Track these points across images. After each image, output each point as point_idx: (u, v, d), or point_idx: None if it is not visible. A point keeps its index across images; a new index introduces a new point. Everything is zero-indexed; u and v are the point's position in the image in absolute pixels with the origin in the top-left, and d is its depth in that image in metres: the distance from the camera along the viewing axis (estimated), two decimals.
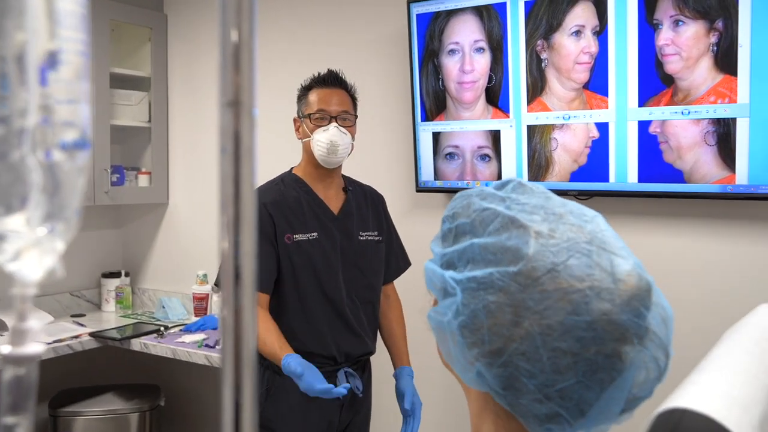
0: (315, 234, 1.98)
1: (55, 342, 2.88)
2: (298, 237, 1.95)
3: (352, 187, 2.15)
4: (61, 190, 0.40)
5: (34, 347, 0.44)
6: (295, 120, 2.09)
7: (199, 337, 2.94)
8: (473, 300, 0.68)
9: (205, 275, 3.24)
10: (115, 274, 3.50)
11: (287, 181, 2.04)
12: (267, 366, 1.96)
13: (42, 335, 2.91)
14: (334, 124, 1.97)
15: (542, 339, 0.65)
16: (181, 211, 3.49)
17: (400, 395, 2.02)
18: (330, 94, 2.01)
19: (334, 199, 2.07)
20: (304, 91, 2.05)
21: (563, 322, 0.65)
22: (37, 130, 0.39)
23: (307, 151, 2.03)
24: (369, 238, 2.09)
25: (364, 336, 2.03)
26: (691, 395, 0.69)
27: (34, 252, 0.39)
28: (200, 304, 3.23)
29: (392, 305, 2.21)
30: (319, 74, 2.06)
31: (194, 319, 3.21)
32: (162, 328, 3.05)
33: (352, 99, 2.07)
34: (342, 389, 1.76)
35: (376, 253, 2.10)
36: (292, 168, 2.11)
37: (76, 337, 2.97)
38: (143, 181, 3.44)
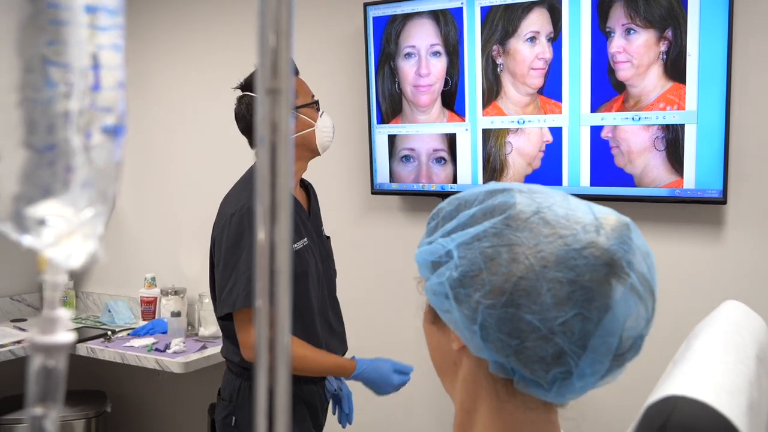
0: (305, 240, 1.89)
1: None
2: (296, 246, 1.85)
3: (307, 182, 2.10)
4: (102, 174, 0.39)
5: (65, 336, 0.42)
6: None
7: (147, 341, 2.87)
8: (469, 251, 0.72)
9: (153, 278, 3.17)
10: None
11: None
12: (240, 375, 1.87)
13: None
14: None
15: (540, 271, 0.69)
16: (128, 213, 3.40)
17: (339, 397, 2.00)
18: (302, 81, 1.97)
19: (301, 197, 2.01)
20: None
21: (556, 253, 0.69)
22: (81, 114, 0.38)
23: (297, 145, 1.89)
24: (325, 234, 2.07)
25: (342, 335, 2.04)
26: (681, 383, 0.72)
27: (77, 236, 0.38)
28: (148, 308, 3.15)
29: None
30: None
31: (142, 323, 3.13)
32: (109, 333, 2.97)
33: None
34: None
35: (332, 250, 2.08)
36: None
37: (18, 342, 2.86)
38: None
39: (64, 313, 0.43)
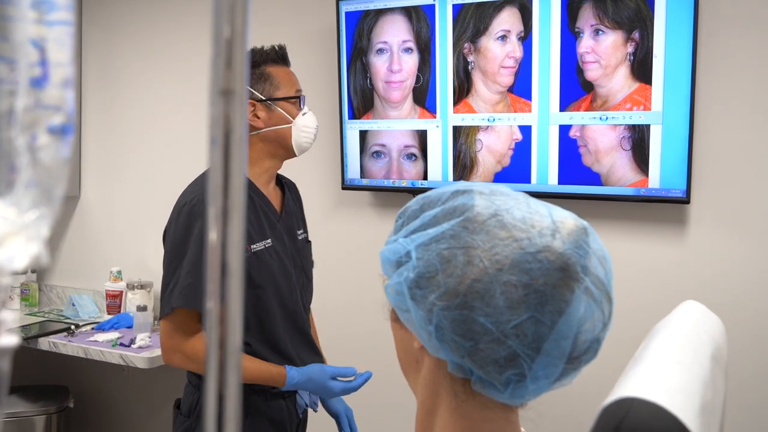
0: (269, 241, 1.72)
1: None
2: (255, 247, 1.68)
3: (284, 180, 1.93)
4: (48, 174, 0.38)
5: (9, 339, 0.41)
6: (252, 105, 1.71)
7: (112, 335, 2.83)
8: (427, 252, 0.73)
9: (119, 272, 3.13)
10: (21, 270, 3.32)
11: None
12: (198, 387, 1.72)
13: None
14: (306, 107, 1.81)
15: (494, 274, 0.69)
16: (93, 205, 3.35)
17: (338, 412, 1.87)
18: (293, 73, 1.79)
19: (274, 196, 1.83)
20: (257, 69, 1.72)
21: (511, 256, 0.69)
22: (25, 113, 0.38)
23: (271, 141, 1.74)
24: (302, 237, 1.90)
25: (315, 345, 1.88)
26: (636, 385, 0.72)
27: (20, 238, 0.37)
28: (113, 301, 3.11)
29: (311, 318, 2.03)
30: (270, 49, 1.75)
31: (107, 317, 3.09)
32: (72, 327, 2.92)
33: None
34: (359, 379, 1.69)
35: (310, 254, 1.94)
36: None
37: None
38: None
39: (9, 316, 0.42)
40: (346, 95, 2.62)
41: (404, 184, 2.57)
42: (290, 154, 1.79)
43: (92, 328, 2.97)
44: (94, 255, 3.31)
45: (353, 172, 2.66)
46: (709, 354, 0.88)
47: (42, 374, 3.40)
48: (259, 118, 1.72)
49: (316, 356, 1.84)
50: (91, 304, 3.18)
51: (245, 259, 1.48)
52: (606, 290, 0.74)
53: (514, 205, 0.74)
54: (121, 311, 3.09)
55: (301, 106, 1.79)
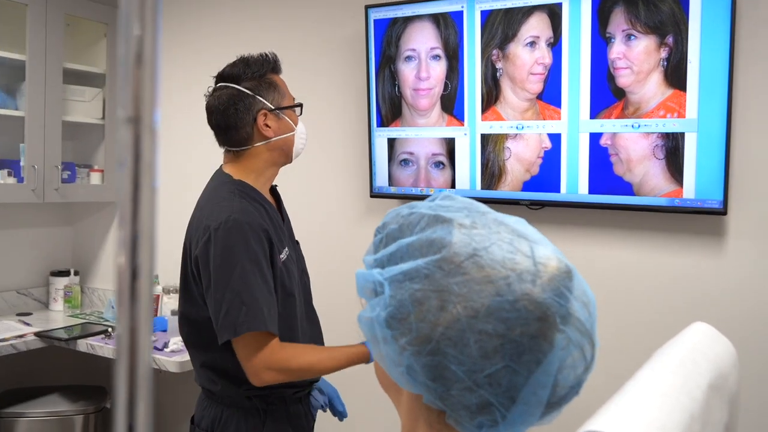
0: (287, 249, 1.72)
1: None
2: (282, 257, 1.68)
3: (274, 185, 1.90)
4: None
5: None
6: (264, 114, 1.69)
7: None
8: (399, 291, 0.69)
9: (156, 276, 3.19)
10: (64, 273, 3.43)
11: (245, 192, 1.68)
12: (248, 409, 1.70)
13: None
14: None
15: (468, 322, 0.65)
16: None
17: (330, 393, 1.89)
18: (284, 81, 1.79)
19: (271, 201, 1.80)
20: (263, 78, 1.71)
21: (487, 304, 0.65)
22: None
23: (278, 149, 1.74)
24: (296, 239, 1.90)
25: (320, 340, 1.88)
26: (609, 418, 0.69)
27: None
28: None
29: None
30: (268, 58, 1.74)
31: None
32: (109, 329, 2.99)
33: None
34: None
35: (302, 254, 1.90)
36: (224, 172, 1.74)
37: (21, 336, 2.89)
38: (95, 178, 3.37)
39: None
40: (375, 103, 2.62)
41: (432, 192, 2.55)
42: (288, 161, 1.78)
43: None
44: None
45: (381, 179, 2.65)
46: (706, 383, 0.84)
47: (81, 375, 3.49)
48: (269, 127, 1.71)
49: None
50: None
51: (279, 271, 1.42)
52: (589, 335, 0.70)
53: (495, 241, 0.69)
54: (157, 315, 3.15)
55: (300, 113, 1.79)
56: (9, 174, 3.03)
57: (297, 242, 1.88)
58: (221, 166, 1.77)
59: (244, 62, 1.70)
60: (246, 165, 1.72)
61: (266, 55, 1.73)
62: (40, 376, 3.37)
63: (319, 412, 1.84)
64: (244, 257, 1.56)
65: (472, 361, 0.65)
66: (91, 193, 3.35)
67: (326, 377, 1.89)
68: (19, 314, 3.28)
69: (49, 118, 3.07)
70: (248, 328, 1.53)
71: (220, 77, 1.72)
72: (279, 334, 1.63)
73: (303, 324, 1.77)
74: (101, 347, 2.84)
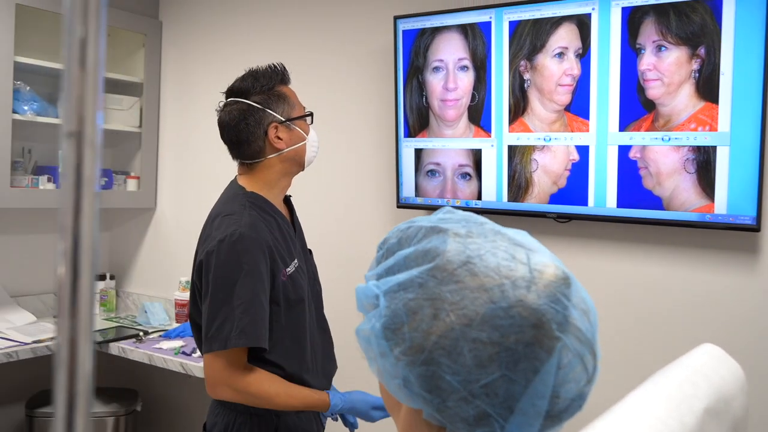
0: (296, 261, 1.72)
1: (34, 342, 2.88)
2: (289, 270, 1.68)
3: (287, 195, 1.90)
4: None
5: None
6: (275, 127, 1.71)
7: (177, 344, 2.93)
8: (394, 301, 0.68)
9: (188, 282, 3.24)
10: (101, 277, 3.50)
11: (256, 203, 1.70)
12: (261, 416, 1.71)
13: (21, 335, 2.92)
14: None
15: (461, 330, 0.64)
16: (167, 216, 3.49)
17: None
18: (294, 91, 1.80)
19: (285, 214, 1.82)
20: (272, 91, 1.72)
21: (481, 311, 0.64)
22: None
23: (291, 160, 1.75)
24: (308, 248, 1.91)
25: (332, 353, 1.89)
26: None
27: None
28: (182, 310, 3.22)
29: None
30: (276, 70, 1.75)
31: (175, 325, 3.21)
32: (141, 333, 3.04)
33: None
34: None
35: (315, 264, 1.91)
36: (238, 183, 1.75)
37: (56, 338, 2.96)
38: (132, 185, 3.44)
39: None
40: (402, 113, 2.62)
41: (458, 203, 2.53)
42: (301, 169, 1.80)
43: (160, 335, 3.08)
44: (167, 265, 3.44)
45: (408, 190, 2.64)
46: (702, 407, 0.81)
47: (113, 377, 3.56)
48: (281, 139, 1.72)
49: (332, 363, 1.87)
50: (161, 311, 3.30)
51: (282, 285, 1.41)
52: (590, 344, 0.68)
53: (490, 249, 0.68)
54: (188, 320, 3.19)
55: (311, 122, 1.80)
56: (49, 180, 3.12)
57: (310, 251, 1.89)
58: (235, 177, 1.79)
59: (252, 76, 1.72)
60: (259, 177, 1.74)
61: (274, 66, 1.75)
62: None
63: (329, 422, 1.84)
64: (245, 272, 1.57)
65: (467, 371, 0.64)
66: (127, 200, 3.42)
67: (339, 388, 1.89)
68: (56, 316, 3.35)
69: None
70: (237, 343, 1.55)
71: (230, 92, 1.73)
72: (286, 341, 1.67)
73: (313, 332, 1.78)
74: (132, 351, 2.89)
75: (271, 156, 1.72)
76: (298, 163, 1.77)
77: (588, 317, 0.69)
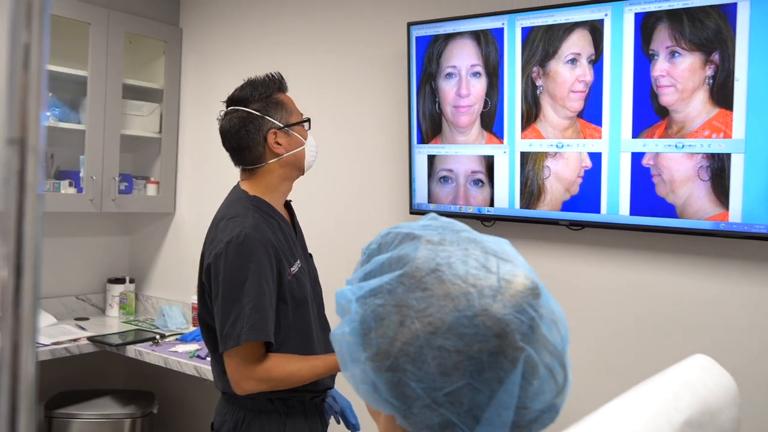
0: (299, 262, 1.78)
1: (53, 344, 2.93)
2: (293, 270, 1.74)
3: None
4: None
5: None
6: (274, 133, 1.76)
7: (192, 347, 2.96)
8: (364, 306, 0.69)
9: None
10: (120, 280, 3.56)
11: (259, 206, 1.75)
12: (270, 412, 1.76)
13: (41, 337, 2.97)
14: None
15: (425, 338, 0.64)
16: (186, 221, 3.53)
17: (342, 406, 1.94)
18: (291, 98, 1.85)
19: (285, 215, 1.87)
20: (270, 99, 1.77)
21: (445, 319, 0.64)
22: None
23: (290, 165, 1.80)
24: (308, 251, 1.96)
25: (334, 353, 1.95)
26: None
27: None
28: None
29: None
30: (273, 78, 1.81)
31: (192, 328, 3.24)
32: (157, 336, 3.08)
33: None
34: None
35: (315, 268, 1.96)
36: (241, 188, 1.80)
37: (75, 340, 3.01)
38: (151, 190, 3.49)
39: None
40: (415, 120, 2.62)
41: (471, 210, 2.52)
42: (301, 173, 1.85)
43: (176, 339, 3.12)
44: (186, 269, 3.48)
45: (421, 196, 2.64)
46: (681, 419, 0.79)
47: (131, 379, 3.61)
48: (280, 144, 1.77)
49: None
50: (179, 315, 3.34)
51: (288, 284, 1.48)
52: (560, 356, 0.68)
53: (461, 257, 0.68)
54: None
55: (309, 128, 1.85)
56: (70, 184, 3.18)
57: (310, 255, 1.94)
58: (238, 182, 1.85)
59: (251, 85, 1.78)
60: (261, 181, 1.79)
61: (272, 75, 1.80)
62: (92, 379, 3.50)
63: (332, 422, 1.86)
64: (252, 271, 1.62)
65: (431, 378, 0.64)
66: (146, 204, 3.47)
67: (340, 390, 1.92)
68: (77, 319, 3.42)
69: (108, 132, 3.21)
70: (248, 338, 1.61)
71: (230, 101, 1.80)
72: (295, 339, 1.72)
73: (317, 331, 1.82)
74: (148, 354, 2.93)
75: (271, 161, 1.78)
76: (297, 168, 1.82)
77: (558, 329, 0.69)
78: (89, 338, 3.05)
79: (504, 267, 0.68)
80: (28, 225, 0.45)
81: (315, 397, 1.80)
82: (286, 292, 1.70)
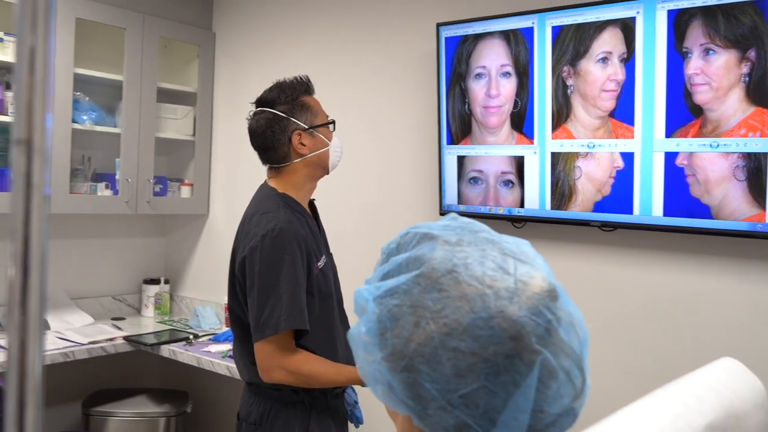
0: (324, 258, 1.87)
1: (90, 343, 2.98)
2: (320, 264, 1.82)
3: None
4: None
5: None
6: (299, 134, 1.83)
7: (225, 347, 2.99)
8: (380, 306, 0.69)
9: None
10: (156, 281, 3.61)
11: (288, 203, 1.82)
12: (296, 403, 1.82)
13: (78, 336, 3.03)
14: None
15: (440, 339, 0.64)
16: (219, 222, 3.57)
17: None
18: (317, 100, 1.91)
19: (311, 216, 1.94)
20: (296, 101, 1.84)
21: (461, 320, 0.64)
22: None
23: (315, 165, 1.86)
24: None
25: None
26: None
27: None
28: None
29: None
30: (300, 81, 1.87)
31: (225, 329, 3.27)
32: (191, 336, 3.12)
33: None
34: None
35: (335, 265, 2.02)
36: (269, 186, 1.87)
37: (111, 339, 3.07)
38: (185, 192, 3.54)
39: None
40: (445, 120, 2.61)
41: (501, 211, 2.51)
42: (325, 172, 1.91)
43: (209, 339, 3.16)
44: (219, 270, 3.52)
45: (451, 198, 2.63)
46: (704, 423, 0.78)
47: (165, 378, 3.66)
48: (304, 145, 1.84)
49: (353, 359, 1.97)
50: (213, 315, 3.38)
51: (315, 277, 1.60)
52: (578, 359, 0.67)
53: (477, 258, 0.68)
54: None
55: (333, 129, 1.91)
56: (106, 187, 3.24)
57: (330, 254, 2.00)
58: (266, 180, 1.92)
59: (278, 87, 1.86)
60: (287, 180, 1.87)
61: (300, 78, 1.87)
62: (128, 378, 3.57)
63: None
64: (287, 263, 1.71)
65: (446, 380, 0.64)
66: (180, 206, 3.52)
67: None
68: (113, 319, 3.48)
69: (143, 135, 3.26)
70: (287, 326, 1.68)
71: (258, 102, 1.88)
72: (319, 331, 1.79)
73: (338, 324, 1.88)
74: (182, 353, 2.97)
75: (296, 161, 1.85)
76: (321, 167, 1.89)
77: (576, 332, 0.67)
78: (125, 338, 3.10)
79: (521, 269, 0.67)
80: (34, 224, 0.46)
81: (336, 388, 1.86)
82: (313, 285, 1.77)
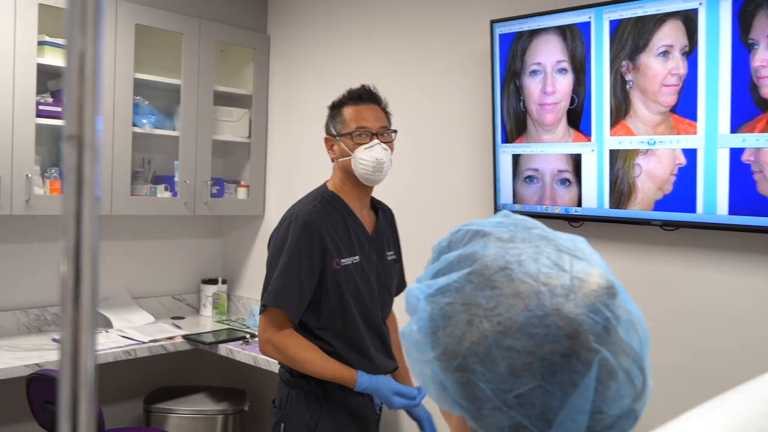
0: (357, 257, 1.96)
1: (150, 342, 3.05)
2: (345, 261, 1.92)
3: (379, 205, 2.14)
4: None
5: None
6: (327, 139, 2.01)
7: None
8: (431, 305, 0.68)
9: None
10: (214, 281, 3.68)
11: (329, 200, 1.97)
12: (308, 393, 1.94)
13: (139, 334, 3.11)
14: (376, 141, 1.93)
15: (494, 338, 0.63)
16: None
17: (420, 417, 2.02)
18: (366, 110, 1.95)
19: (367, 219, 2.05)
20: (336, 108, 1.99)
21: (515, 319, 0.62)
22: None
23: (344, 170, 1.97)
24: (390, 257, 2.09)
25: (391, 351, 2.08)
26: None
27: None
28: None
29: (393, 324, 2.22)
30: (352, 90, 2.00)
31: None
32: (248, 336, 3.16)
33: (386, 114, 2.01)
34: (420, 397, 1.88)
35: (395, 273, 2.13)
36: (326, 183, 2.05)
37: (171, 338, 3.14)
38: (242, 193, 3.59)
39: None
40: (500, 118, 2.57)
41: (557, 210, 2.46)
42: (359, 182, 1.97)
43: None
44: None
45: (506, 197, 2.59)
46: None
47: (223, 377, 3.72)
48: (333, 151, 1.99)
49: (391, 360, 2.04)
50: None
51: (334, 272, 1.72)
52: (638, 359, 0.64)
53: (531, 255, 0.66)
54: None
55: (364, 140, 1.93)
56: (165, 189, 3.31)
57: (394, 260, 2.10)
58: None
59: (345, 92, 2.01)
60: (332, 178, 2.05)
61: (363, 86, 1.98)
62: (187, 376, 3.64)
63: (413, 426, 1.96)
64: (291, 249, 1.86)
65: (501, 380, 0.62)
66: (237, 207, 3.57)
67: (424, 403, 1.99)
68: (173, 318, 3.56)
69: (200, 137, 3.32)
70: (268, 304, 1.87)
71: (332, 106, 2.05)
72: (336, 326, 1.92)
73: (359, 322, 1.95)
74: (239, 352, 3.01)
75: (333, 162, 2.02)
76: (350, 174, 1.97)
77: (636, 330, 0.65)
78: (184, 336, 3.16)
79: (578, 265, 0.65)
80: (86, 220, 0.46)
81: (346, 387, 1.91)
82: (328, 278, 1.89)
